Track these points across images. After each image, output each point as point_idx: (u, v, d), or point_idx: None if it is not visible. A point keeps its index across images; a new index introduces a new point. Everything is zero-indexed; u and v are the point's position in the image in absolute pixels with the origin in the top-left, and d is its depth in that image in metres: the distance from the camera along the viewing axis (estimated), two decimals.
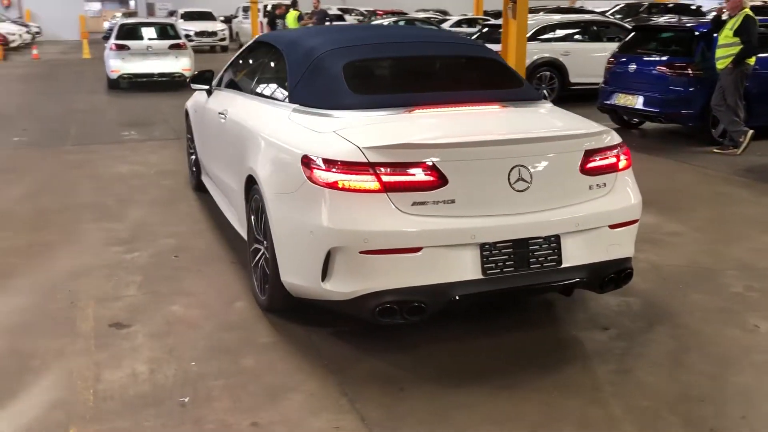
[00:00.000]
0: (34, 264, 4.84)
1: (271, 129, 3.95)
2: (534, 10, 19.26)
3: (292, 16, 17.62)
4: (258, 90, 4.69)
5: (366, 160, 3.20)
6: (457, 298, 3.27)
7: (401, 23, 21.95)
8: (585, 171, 3.47)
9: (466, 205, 3.25)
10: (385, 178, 3.19)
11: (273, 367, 3.46)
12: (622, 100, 9.41)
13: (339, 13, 29.48)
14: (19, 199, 6.53)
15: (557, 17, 13.39)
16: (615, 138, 3.66)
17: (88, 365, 3.46)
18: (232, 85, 5.31)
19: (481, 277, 3.28)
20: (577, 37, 12.90)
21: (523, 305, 4.18)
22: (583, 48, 12.42)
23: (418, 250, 3.19)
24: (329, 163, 3.27)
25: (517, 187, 3.30)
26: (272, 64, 4.73)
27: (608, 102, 9.67)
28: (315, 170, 3.31)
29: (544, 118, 3.88)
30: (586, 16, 14.12)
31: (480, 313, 4.00)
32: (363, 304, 3.26)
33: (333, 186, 3.24)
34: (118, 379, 3.35)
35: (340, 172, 3.23)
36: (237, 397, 3.18)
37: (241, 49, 5.79)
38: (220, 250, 5.11)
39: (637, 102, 9.15)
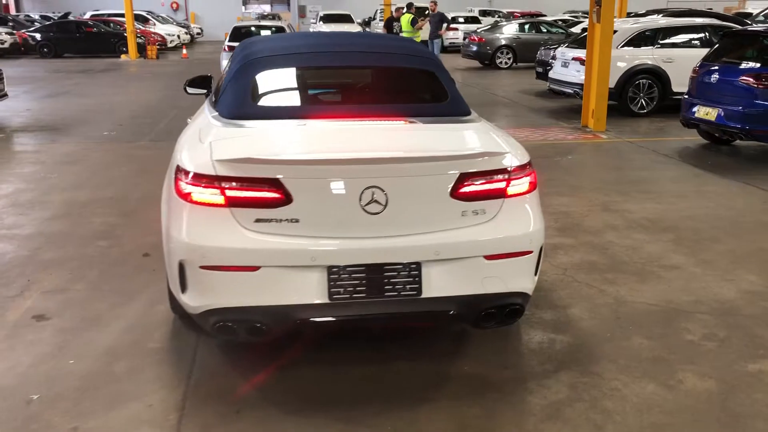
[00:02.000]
0: (21, 253, 5.21)
1: (184, 138, 3.98)
2: (659, 11, 18.02)
3: (405, 19, 17.56)
4: (212, 96, 4.74)
5: (214, 174, 3.13)
6: (300, 321, 3.12)
7: (526, 26, 21.37)
8: (457, 196, 3.16)
9: (311, 225, 3.08)
10: (229, 193, 3.10)
11: (136, 374, 3.48)
12: (702, 113, 8.53)
13: (476, 15, 29.20)
14: (61, 190, 7.06)
15: (663, 21, 12.36)
16: (509, 161, 3.28)
17: None
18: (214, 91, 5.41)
19: (327, 301, 3.10)
20: (692, 42, 11.85)
21: (438, 334, 3.91)
22: (689, 55, 11.31)
23: (256, 268, 3.08)
24: (186, 175, 3.22)
25: (369, 210, 3.08)
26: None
27: (689, 115, 8.80)
28: (178, 181, 3.28)
29: (434, 136, 3.52)
30: (698, 20, 12.88)
31: (389, 340, 3.80)
32: (205, 319, 3.20)
33: (186, 198, 3.20)
34: None
35: (191, 184, 3.17)
36: (80, 400, 3.24)
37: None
38: None
39: (717, 116, 8.26)
